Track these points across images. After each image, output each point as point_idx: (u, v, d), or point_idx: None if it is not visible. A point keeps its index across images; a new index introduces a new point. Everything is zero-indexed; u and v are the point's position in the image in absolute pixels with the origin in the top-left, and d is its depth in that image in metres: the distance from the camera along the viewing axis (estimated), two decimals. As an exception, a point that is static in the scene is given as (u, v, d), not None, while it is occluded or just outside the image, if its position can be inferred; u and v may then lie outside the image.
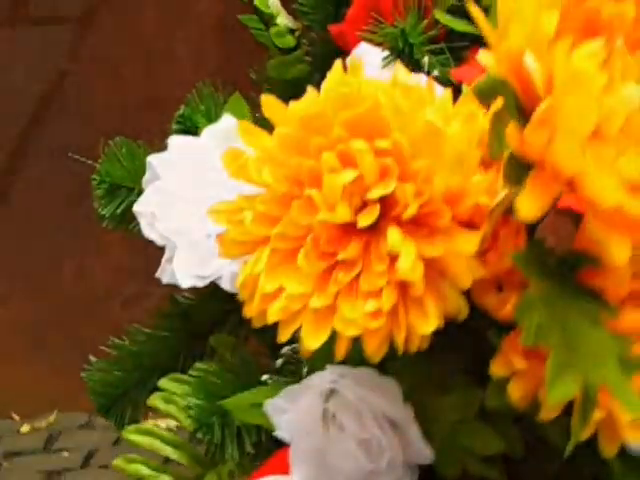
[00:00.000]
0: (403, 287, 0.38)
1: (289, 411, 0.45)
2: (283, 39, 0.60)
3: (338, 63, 0.41)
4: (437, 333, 0.38)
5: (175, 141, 0.56)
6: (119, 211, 0.60)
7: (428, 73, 0.51)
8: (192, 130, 0.59)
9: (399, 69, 0.42)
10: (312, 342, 0.38)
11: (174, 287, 0.55)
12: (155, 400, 0.58)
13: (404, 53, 0.51)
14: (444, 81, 0.50)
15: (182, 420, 0.56)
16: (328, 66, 0.42)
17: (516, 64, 0.30)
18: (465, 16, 0.52)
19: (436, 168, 0.38)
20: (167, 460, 0.58)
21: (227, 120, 0.55)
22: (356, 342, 0.39)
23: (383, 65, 0.52)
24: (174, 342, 0.63)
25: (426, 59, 0.51)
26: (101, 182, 0.60)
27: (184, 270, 0.54)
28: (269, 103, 0.41)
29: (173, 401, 0.57)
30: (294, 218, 0.39)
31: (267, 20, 0.60)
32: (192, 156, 0.56)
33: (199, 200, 0.54)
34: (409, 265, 0.37)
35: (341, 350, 0.39)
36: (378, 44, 0.52)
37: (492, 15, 0.34)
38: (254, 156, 0.41)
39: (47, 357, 1.55)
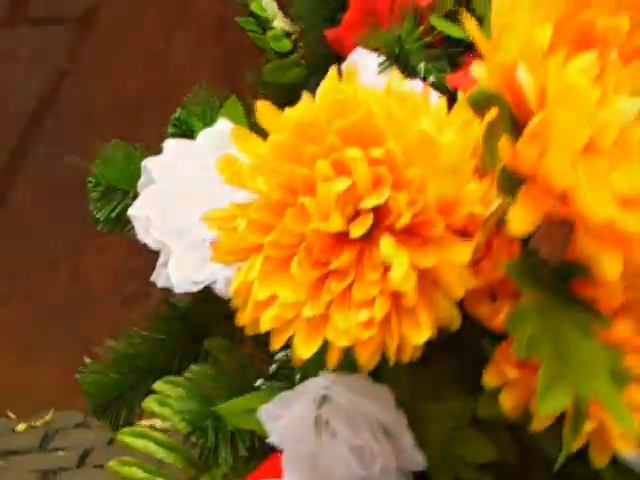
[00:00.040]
0: (396, 297, 0.38)
1: (282, 417, 0.45)
2: (279, 43, 0.60)
3: (333, 70, 0.41)
4: (430, 341, 0.38)
5: (170, 144, 0.56)
6: (114, 214, 0.60)
7: (424, 79, 0.51)
8: (188, 133, 0.59)
9: (393, 77, 0.41)
10: (304, 351, 0.38)
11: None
12: (150, 403, 0.58)
13: (400, 59, 0.51)
14: (440, 87, 0.50)
15: (176, 423, 0.56)
16: (324, 70, 0.42)
17: (509, 77, 0.30)
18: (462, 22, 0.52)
19: (430, 177, 0.38)
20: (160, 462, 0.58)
21: (222, 124, 0.55)
22: (349, 350, 0.39)
23: (379, 71, 0.51)
24: (170, 344, 0.63)
25: (422, 65, 0.51)
26: (96, 185, 0.60)
27: (179, 275, 0.54)
28: (264, 110, 0.41)
29: (168, 404, 0.57)
30: (287, 226, 0.39)
31: (264, 24, 0.60)
32: (187, 160, 0.56)
33: (194, 204, 0.54)
34: (401, 275, 0.36)
35: (333, 359, 0.39)
36: (374, 49, 0.52)
37: (486, 25, 0.34)
38: (248, 163, 0.41)
39: (44, 356, 1.55)
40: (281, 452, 0.47)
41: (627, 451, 0.38)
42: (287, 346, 0.40)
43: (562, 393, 0.32)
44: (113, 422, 0.64)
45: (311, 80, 0.62)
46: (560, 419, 0.36)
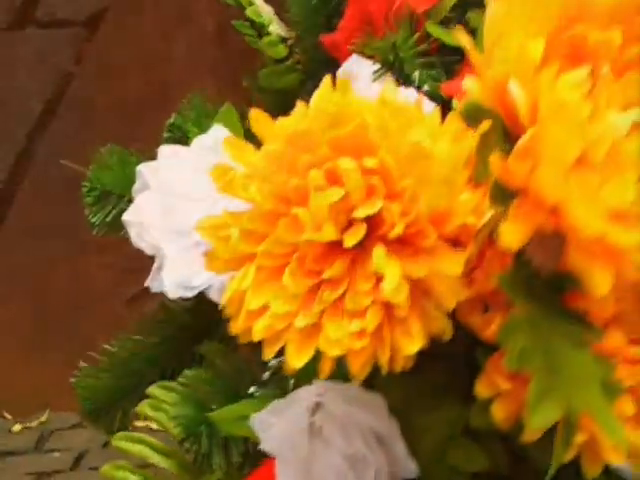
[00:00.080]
0: (388, 307, 0.38)
1: (275, 425, 0.46)
2: (275, 49, 0.60)
3: (327, 80, 0.41)
4: (422, 350, 0.38)
5: (165, 150, 0.56)
6: (109, 219, 0.60)
7: (419, 88, 0.51)
8: (182, 139, 0.59)
9: (387, 86, 0.41)
10: (296, 361, 0.38)
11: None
12: (144, 407, 0.58)
13: (395, 67, 0.51)
14: (435, 96, 0.50)
15: (170, 429, 0.56)
16: (320, 75, 0.42)
17: (501, 91, 0.30)
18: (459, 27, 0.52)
19: (423, 188, 0.38)
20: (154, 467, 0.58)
21: (217, 130, 0.55)
22: (341, 359, 0.39)
23: (374, 79, 0.51)
24: (164, 349, 0.63)
25: (416, 74, 0.50)
26: (91, 189, 0.60)
27: (173, 280, 0.54)
28: (257, 118, 0.41)
29: (162, 409, 0.57)
30: (280, 236, 0.39)
31: (259, 29, 0.60)
32: (182, 165, 0.56)
33: (188, 210, 0.54)
34: (394, 286, 0.36)
35: (325, 369, 0.39)
36: (369, 57, 0.52)
37: (480, 37, 0.34)
38: (242, 172, 0.41)
39: (40, 356, 1.55)
40: (274, 459, 0.47)
41: (618, 462, 0.38)
42: (281, 353, 0.41)
43: (553, 406, 0.32)
44: (107, 426, 0.64)
45: (307, 85, 0.62)
46: (552, 430, 0.36)
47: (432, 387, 0.44)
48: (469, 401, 0.42)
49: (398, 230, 0.38)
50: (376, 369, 0.39)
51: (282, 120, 0.41)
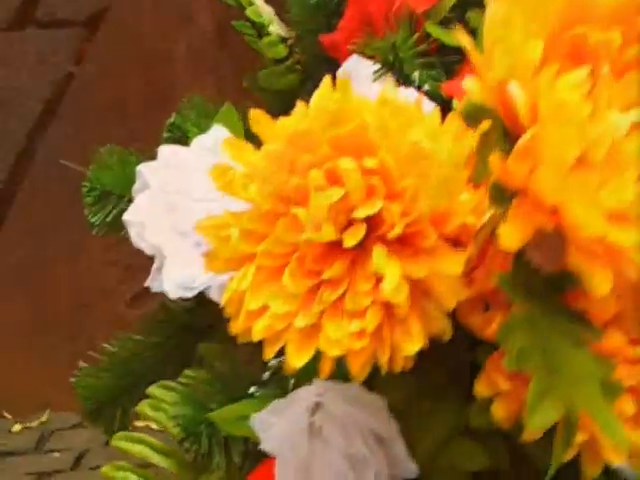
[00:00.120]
0: (388, 307, 0.38)
1: (275, 425, 0.46)
2: (275, 49, 0.60)
3: (327, 79, 0.41)
4: (423, 350, 0.39)
5: (165, 150, 0.56)
6: (109, 219, 0.60)
7: (419, 88, 0.51)
8: (182, 139, 0.59)
9: (388, 86, 0.41)
10: (296, 361, 0.38)
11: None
12: (144, 407, 0.58)
13: (395, 67, 0.51)
14: (435, 96, 0.50)
15: (170, 428, 0.56)
16: (320, 75, 0.42)
17: (501, 91, 0.30)
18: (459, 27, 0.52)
19: (423, 188, 0.38)
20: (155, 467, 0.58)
21: (217, 130, 0.55)
22: (341, 359, 0.39)
23: (374, 79, 0.51)
24: (165, 348, 0.63)
25: (416, 74, 0.50)
26: (91, 189, 0.60)
27: (172, 280, 0.54)
28: (257, 119, 0.41)
29: (162, 408, 0.57)
30: (280, 236, 0.39)
31: (259, 29, 0.60)
32: (182, 166, 0.56)
33: (189, 210, 0.54)
34: (393, 286, 0.36)
35: (325, 369, 0.39)
36: (369, 57, 0.52)
37: (480, 37, 0.34)
38: (241, 172, 0.41)
39: (40, 356, 1.55)
40: (274, 458, 0.47)
41: (618, 462, 0.38)
42: (281, 353, 0.41)
43: (552, 407, 0.32)
44: (107, 426, 0.64)
45: (307, 85, 0.62)
46: (552, 429, 0.36)
47: (432, 387, 0.44)
48: (469, 400, 0.42)
49: (398, 230, 0.38)
50: (376, 369, 0.39)
51: (282, 120, 0.41)
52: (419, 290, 0.38)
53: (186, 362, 0.61)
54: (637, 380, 0.38)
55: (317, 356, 0.39)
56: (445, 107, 0.46)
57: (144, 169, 0.56)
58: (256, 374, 0.54)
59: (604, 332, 0.37)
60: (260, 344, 0.41)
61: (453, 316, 0.40)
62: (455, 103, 0.48)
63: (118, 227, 0.60)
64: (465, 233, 0.39)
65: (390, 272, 0.37)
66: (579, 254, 0.30)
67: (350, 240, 0.38)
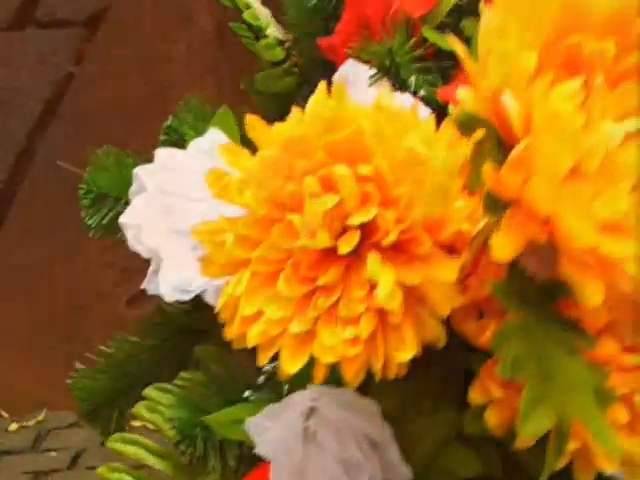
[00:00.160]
0: (382, 314, 0.38)
1: (269, 429, 0.46)
2: (272, 52, 0.59)
3: (322, 85, 0.41)
4: (417, 356, 0.39)
5: (161, 153, 0.56)
6: (105, 221, 0.60)
7: (415, 93, 0.51)
8: (179, 142, 0.59)
9: (383, 92, 0.42)
10: (290, 367, 0.38)
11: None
12: (140, 409, 0.58)
13: (391, 72, 0.51)
14: (431, 101, 0.50)
15: (166, 431, 0.56)
16: (318, 78, 0.42)
17: (495, 101, 0.30)
18: (455, 34, 0.52)
19: (417, 195, 0.38)
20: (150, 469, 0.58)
21: (213, 134, 0.55)
22: (335, 364, 0.39)
23: (370, 83, 0.51)
24: (161, 351, 0.63)
25: (413, 78, 0.50)
26: (88, 192, 0.60)
27: (169, 283, 0.54)
28: (253, 124, 0.41)
29: (158, 411, 0.57)
30: (275, 242, 0.39)
31: (257, 32, 0.60)
32: (179, 168, 0.56)
33: (185, 214, 0.54)
34: (387, 293, 0.37)
35: (319, 375, 0.39)
36: (365, 62, 0.52)
37: (474, 46, 0.34)
38: (237, 177, 0.41)
39: (38, 356, 1.55)
40: (269, 462, 0.47)
41: (611, 470, 0.38)
42: (276, 358, 0.41)
43: (544, 415, 0.32)
44: (104, 427, 0.64)
45: (304, 88, 0.62)
46: (546, 436, 0.36)
47: (426, 393, 0.44)
48: (464, 407, 0.42)
49: (392, 237, 0.38)
50: (370, 374, 0.39)
51: (277, 126, 0.41)
52: (413, 297, 0.38)
53: (182, 364, 0.61)
54: (630, 388, 0.39)
55: (311, 361, 0.39)
56: (441, 112, 0.46)
57: (141, 172, 0.56)
58: (252, 377, 0.54)
59: (598, 340, 0.38)
60: (255, 348, 0.41)
61: (447, 323, 0.40)
62: (451, 108, 0.48)
63: (114, 229, 0.60)
64: (460, 240, 0.39)
65: (384, 279, 0.37)
66: (571, 265, 0.30)
67: (344, 247, 0.38)
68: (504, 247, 0.30)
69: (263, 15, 0.61)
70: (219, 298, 0.41)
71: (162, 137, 0.60)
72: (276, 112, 0.46)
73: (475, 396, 0.39)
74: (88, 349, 0.64)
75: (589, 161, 0.29)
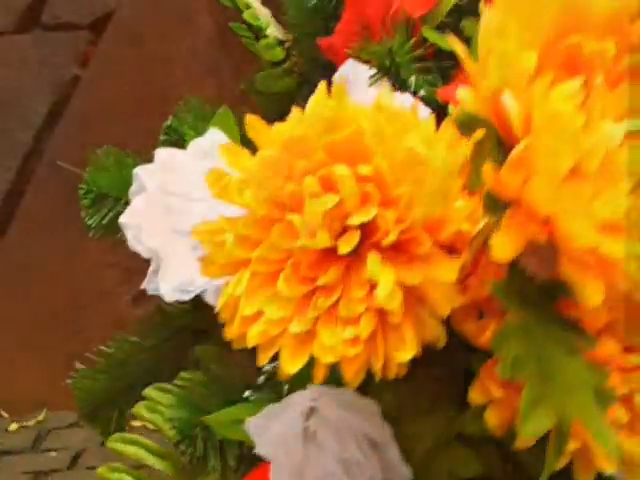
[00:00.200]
0: (382, 314, 0.38)
1: (269, 429, 0.46)
2: (272, 52, 0.59)
3: (322, 85, 0.41)
4: (417, 358, 0.39)
5: (161, 153, 0.56)
6: (105, 221, 0.60)
7: (415, 93, 0.51)
8: (179, 142, 0.59)
9: (383, 92, 0.42)
10: (290, 366, 0.38)
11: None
12: (140, 409, 0.58)
13: (391, 72, 0.51)
14: (431, 101, 0.50)
15: (166, 431, 0.56)
16: (318, 78, 0.42)
17: (495, 102, 0.30)
18: (455, 34, 0.52)
19: (417, 195, 0.38)
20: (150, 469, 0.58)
21: (213, 134, 0.55)
22: (335, 364, 0.39)
23: (370, 83, 0.51)
24: (161, 351, 0.63)
25: (413, 78, 0.50)
26: (88, 192, 0.60)
27: (168, 283, 0.54)
28: (253, 124, 0.41)
29: (158, 411, 0.57)
30: (275, 242, 0.39)
31: (257, 32, 0.60)
32: (180, 167, 0.56)
33: (185, 214, 0.54)
34: (387, 293, 0.37)
35: (319, 375, 0.39)
36: (365, 62, 0.52)
37: (474, 46, 0.34)
38: (237, 177, 0.41)
39: (38, 355, 1.55)
40: (269, 462, 0.47)
41: (611, 470, 0.38)
42: (276, 358, 0.41)
43: (544, 415, 0.32)
44: (104, 427, 0.64)
45: (304, 88, 0.62)
46: (545, 436, 0.36)
47: (426, 393, 0.44)
48: (464, 407, 0.42)
49: (392, 237, 0.38)
50: (370, 374, 0.39)
51: (277, 126, 0.41)
52: (413, 297, 0.38)
53: (182, 364, 0.61)
54: (630, 388, 0.39)
55: (311, 361, 0.39)
56: (441, 112, 0.46)
57: (141, 172, 0.56)
58: (252, 377, 0.54)
59: (598, 340, 0.38)
60: (255, 348, 0.41)
61: (448, 323, 0.40)
62: (451, 108, 0.48)
63: (114, 229, 0.60)
64: (460, 240, 0.39)
65: (384, 279, 0.37)
66: (571, 265, 0.30)
67: (344, 247, 0.38)
68: (504, 247, 0.30)
69: (263, 15, 0.61)
70: (219, 298, 0.41)
71: (162, 137, 0.60)
72: (276, 112, 0.46)
73: (475, 396, 0.39)
74: (89, 349, 0.64)
75: (589, 161, 0.30)
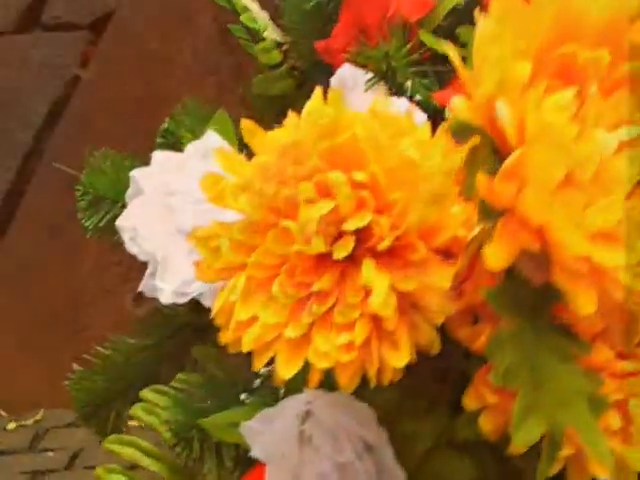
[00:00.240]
0: (376, 319, 0.38)
1: (265, 433, 0.46)
2: (269, 55, 0.59)
3: (318, 91, 0.41)
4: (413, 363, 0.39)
5: (158, 156, 0.56)
6: (102, 223, 0.60)
7: (411, 97, 0.51)
8: (176, 145, 0.59)
9: (379, 98, 0.42)
10: (286, 372, 0.38)
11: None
12: (137, 410, 0.58)
13: (388, 76, 0.51)
14: (427, 105, 0.50)
15: (163, 433, 0.56)
16: (316, 81, 0.42)
17: (489, 110, 0.30)
18: (451, 38, 0.52)
19: (412, 201, 0.38)
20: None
21: (210, 137, 0.55)
22: (330, 369, 0.39)
23: (366, 88, 0.51)
24: (158, 352, 0.63)
25: (409, 82, 0.50)
26: (84, 194, 0.60)
27: (169, 283, 0.54)
28: (249, 129, 0.41)
29: (155, 412, 0.57)
30: (270, 247, 0.39)
31: (254, 35, 0.60)
32: (180, 169, 0.56)
33: (181, 217, 0.54)
34: (381, 300, 0.37)
35: (314, 380, 0.39)
36: (362, 66, 0.52)
37: (469, 53, 0.34)
38: (232, 182, 0.41)
39: (37, 354, 1.55)
40: (265, 463, 0.47)
41: (604, 476, 0.38)
42: (271, 361, 0.41)
43: (536, 424, 0.32)
44: (101, 428, 0.64)
45: (303, 89, 0.62)
46: (540, 441, 0.36)
47: (420, 396, 0.44)
48: (458, 412, 0.42)
49: (387, 243, 0.38)
50: (365, 378, 0.39)
51: (274, 132, 0.41)
52: (408, 302, 0.38)
53: (180, 366, 0.61)
54: (624, 394, 0.39)
55: (307, 365, 0.39)
56: (437, 117, 0.46)
57: (138, 175, 0.56)
58: (249, 378, 0.54)
59: (592, 346, 0.38)
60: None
61: (443, 328, 0.40)
62: (447, 113, 0.48)
63: (112, 231, 0.60)
64: (456, 245, 0.40)
65: (379, 285, 0.37)
66: (564, 274, 0.30)
67: (339, 252, 0.38)
68: (497, 256, 0.30)
69: (261, 18, 0.61)
70: (215, 302, 0.41)
71: (159, 140, 0.60)
72: (275, 115, 0.46)
73: (469, 401, 0.39)
74: (89, 349, 0.64)
75: (582, 170, 0.30)
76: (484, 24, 0.32)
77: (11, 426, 1.52)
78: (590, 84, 0.32)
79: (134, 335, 0.63)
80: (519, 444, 0.32)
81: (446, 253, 0.40)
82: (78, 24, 1.52)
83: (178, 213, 0.55)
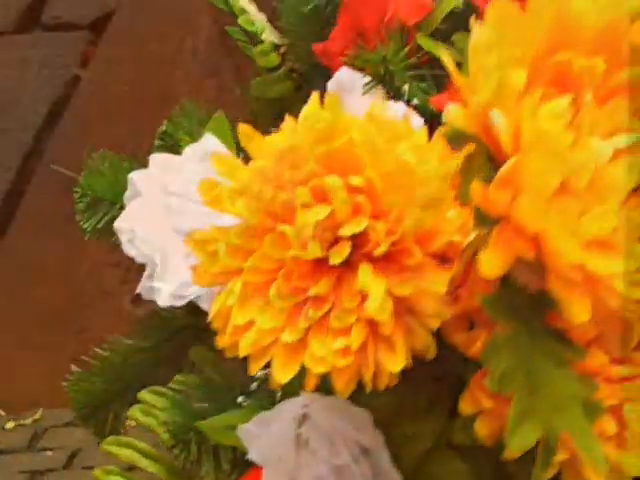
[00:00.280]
0: (372, 324, 0.38)
1: (262, 436, 0.46)
2: (267, 58, 0.59)
3: (315, 96, 0.41)
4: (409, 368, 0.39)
5: (156, 159, 0.56)
6: (100, 225, 0.60)
7: (409, 101, 0.51)
8: (174, 148, 0.59)
9: (376, 102, 0.42)
10: (282, 376, 0.39)
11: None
12: (135, 412, 0.58)
13: (385, 80, 0.51)
14: (424, 109, 0.50)
15: (161, 434, 0.56)
16: (314, 84, 0.42)
17: (485, 117, 0.30)
18: (449, 41, 0.52)
19: (408, 206, 0.38)
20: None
21: (208, 139, 0.55)
22: (327, 374, 0.39)
23: (364, 91, 0.52)
24: (156, 353, 0.63)
25: (406, 86, 0.50)
26: (83, 195, 0.60)
27: (169, 284, 0.54)
28: (246, 134, 0.41)
29: (152, 414, 0.57)
30: (267, 252, 0.39)
31: (252, 37, 0.60)
32: (178, 170, 0.56)
33: (179, 220, 0.54)
34: (377, 305, 0.37)
35: (311, 384, 0.39)
36: (360, 69, 0.52)
37: (466, 59, 0.34)
38: (229, 187, 0.41)
39: (37, 354, 1.55)
40: (262, 466, 0.47)
41: (599, 481, 0.38)
42: (268, 365, 0.41)
43: (531, 429, 0.32)
44: (99, 429, 0.64)
45: (302, 91, 0.62)
46: (535, 446, 0.36)
47: (418, 401, 0.44)
48: (454, 413, 0.42)
49: (383, 248, 0.38)
50: (361, 383, 0.39)
51: (271, 136, 0.41)
52: (404, 307, 0.38)
53: (178, 367, 0.61)
54: (619, 399, 0.39)
55: (303, 369, 0.39)
56: (434, 121, 0.46)
57: (136, 177, 0.56)
58: (246, 381, 0.54)
59: (587, 351, 0.38)
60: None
61: (439, 333, 0.40)
62: (444, 117, 0.48)
63: (110, 233, 0.60)
64: (452, 250, 0.40)
65: (375, 290, 0.37)
66: (558, 282, 0.30)
67: (336, 257, 0.38)
68: (492, 264, 0.30)
69: (258, 20, 0.61)
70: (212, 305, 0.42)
71: (157, 142, 0.60)
72: (273, 118, 0.46)
73: (465, 406, 0.39)
74: (89, 349, 0.64)
75: (577, 178, 0.30)
76: (479, 31, 0.32)
77: (10, 425, 1.53)
78: (585, 92, 0.32)
79: (132, 337, 0.63)
80: (514, 449, 0.33)
81: (442, 258, 0.40)
82: (78, 24, 1.52)
83: (176, 214, 0.55)
